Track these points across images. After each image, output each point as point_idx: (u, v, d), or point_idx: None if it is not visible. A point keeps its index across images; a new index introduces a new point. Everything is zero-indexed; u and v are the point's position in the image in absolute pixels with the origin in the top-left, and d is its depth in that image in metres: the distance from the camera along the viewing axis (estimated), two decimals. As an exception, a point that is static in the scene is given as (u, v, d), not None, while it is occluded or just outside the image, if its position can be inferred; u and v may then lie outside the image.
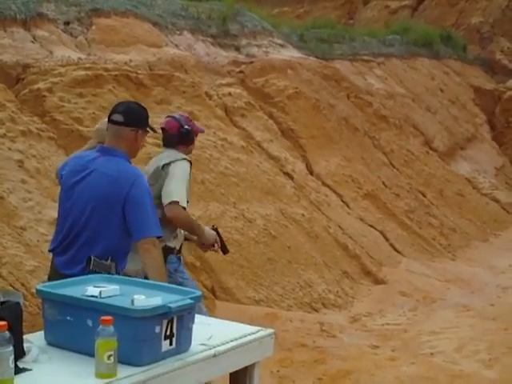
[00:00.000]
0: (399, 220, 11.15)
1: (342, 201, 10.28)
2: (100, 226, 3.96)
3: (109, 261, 3.95)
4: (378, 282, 9.26)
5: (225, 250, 5.39)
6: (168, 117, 5.52)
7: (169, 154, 5.18)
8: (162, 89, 9.39)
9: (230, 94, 10.48)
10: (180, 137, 5.28)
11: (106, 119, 4.25)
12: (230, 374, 3.27)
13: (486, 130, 17.13)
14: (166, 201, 4.86)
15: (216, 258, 7.28)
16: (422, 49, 17.76)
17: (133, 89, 8.97)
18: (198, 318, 3.14)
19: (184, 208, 4.91)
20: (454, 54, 19.04)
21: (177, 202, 4.84)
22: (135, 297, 2.78)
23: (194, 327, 3.02)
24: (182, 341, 2.92)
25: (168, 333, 2.85)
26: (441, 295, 9.17)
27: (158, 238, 4.01)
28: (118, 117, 4.10)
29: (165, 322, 2.82)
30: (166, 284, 3.58)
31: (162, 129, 5.35)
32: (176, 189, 4.91)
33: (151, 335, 2.78)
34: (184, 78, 9.92)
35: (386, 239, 10.44)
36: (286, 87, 11.26)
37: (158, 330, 2.79)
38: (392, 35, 17.35)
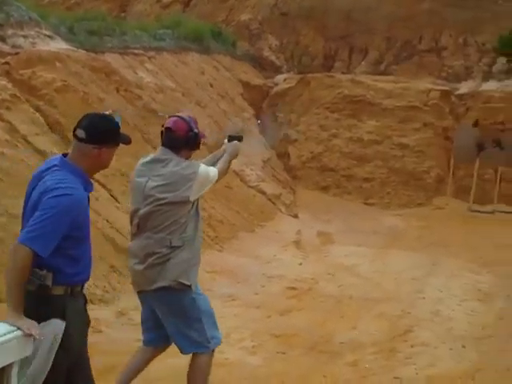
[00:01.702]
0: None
1: (111, 195, 10.22)
2: None
3: (44, 271, 3.80)
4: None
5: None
6: (175, 116, 5.12)
7: (180, 170, 4.91)
8: None
9: (-6, 85, 10.09)
10: (186, 140, 5.00)
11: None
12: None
13: (254, 124, 17.73)
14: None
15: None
16: (192, 44, 18.00)
17: None
18: None
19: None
20: (224, 50, 19.50)
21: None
22: None
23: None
24: None
25: None
26: (208, 286, 9.38)
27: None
28: (80, 133, 3.92)
29: None
30: None
31: (168, 128, 5.01)
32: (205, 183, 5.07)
33: None
34: None
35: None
36: (54, 80, 10.98)
37: None
38: (163, 30, 17.42)
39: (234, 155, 5.41)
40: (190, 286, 4.92)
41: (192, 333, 4.93)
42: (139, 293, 5.09)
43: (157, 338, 5.15)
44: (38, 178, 3.95)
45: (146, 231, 4.92)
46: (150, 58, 15.45)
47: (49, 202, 3.76)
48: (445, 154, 17.03)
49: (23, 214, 3.99)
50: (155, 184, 4.85)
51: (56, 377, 3.80)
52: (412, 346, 7.52)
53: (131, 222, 5.06)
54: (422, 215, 15.55)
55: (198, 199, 5.02)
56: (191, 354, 5.02)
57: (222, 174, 5.23)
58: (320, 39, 21.29)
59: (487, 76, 18.84)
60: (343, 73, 19.79)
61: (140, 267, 4.93)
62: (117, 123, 4.09)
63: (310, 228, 13.77)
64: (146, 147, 12.18)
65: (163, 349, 5.26)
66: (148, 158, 5.08)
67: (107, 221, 9.61)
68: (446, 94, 17.66)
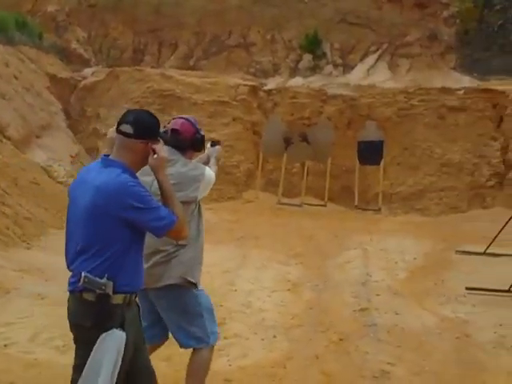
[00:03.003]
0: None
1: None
2: (93, 240, 3.79)
3: (104, 279, 3.75)
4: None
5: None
6: (180, 118, 5.23)
7: (186, 171, 5.02)
8: None
9: None
10: (193, 142, 5.12)
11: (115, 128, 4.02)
12: None
13: (62, 118, 17.26)
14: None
15: None
16: (-4, 35, 17.30)
17: None
18: None
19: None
20: (30, 41, 18.84)
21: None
22: None
23: None
24: None
25: None
26: (16, 285, 9.04)
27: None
28: (127, 128, 3.90)
29: None
30: None
31: (175, 130, 5.06)
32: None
33: None
34: None
35: None
36: None
37: None
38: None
39: (219, 159, 5.68)
40: (195, 284, 5.09)
41: (193, 328, 5.10)
42: (141, 290, 4.97)
43: (151, 336, 5.09)
44: (82, 181, 3.94)
45: None
46: None
47: (134, 191, 3.82)
48: (254, 148, 17.36)
49: (71, 217, 3.95)
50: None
51: None
52: (225, 338, 7.55)
53: None
54: (232, 209, 15.75)
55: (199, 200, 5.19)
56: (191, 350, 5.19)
57: (216, 176, 5.40)
58: (129, 32, 21.10)
59: (293, 72, 19.43)
60: (153, 67, 19.71)
61: (145, 265, 4.75)
62: (158, 119, 4.08)
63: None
64: None
65: (159, 345, 5.38)
66: None
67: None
68: (254, 90, 18.00)
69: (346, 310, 8.70)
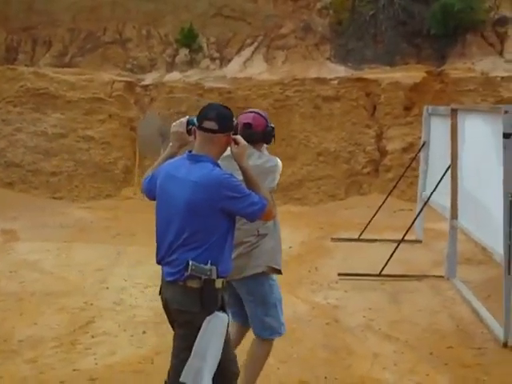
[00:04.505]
0: None
1: None
2: (195, 230, 4.11)
3: (208, 265, 4.08)
4: None
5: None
6: (251, 112, 5.39)
7: (262, 163, 5.14)
8: None
9: None
10: (264, 135, 5.28)
11: (181, 121, 4.51)
12: None
13: None
14: None
15: None
16: None
17: None
18: None
19: None
20: None
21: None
22: None
23: None
24: None
25: None
26: None
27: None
28: (211, 124, 4.19)
29: None
30: None
31: (248, 124, 5.22)
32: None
33: None
34: None
35: None
36: None
37: None
38: None
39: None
40: (280, 271, 5.34)
41: (268, 318, 5.31)
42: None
43: (243, 320, 5.51)
44: (172, 177, 4.25)
45: None
46: None
47: (229, 182, 4.15)
48: (131, 144, 17.11)
49: (168, 211, 4.24)
50: (241, 178, 4.70)
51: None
52: (93, 337, 7.43)
53: None
54: (110, 206, 15.49)
55: None
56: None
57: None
58: (1, 31, 20.45)
59: (170, 67, 19.29)
60: (27, 65, 19.16)
61: None
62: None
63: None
64: None
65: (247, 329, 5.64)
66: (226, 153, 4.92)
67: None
68: (130, 86, 17.75)
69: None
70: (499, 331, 7.30)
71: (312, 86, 16.73)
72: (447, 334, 7.58)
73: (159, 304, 4.50)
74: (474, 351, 7.06)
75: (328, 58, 18.81)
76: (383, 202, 12.33)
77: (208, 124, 4.20)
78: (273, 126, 5.40)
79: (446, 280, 9.56)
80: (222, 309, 4.20)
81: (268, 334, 5.37)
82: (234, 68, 18.71)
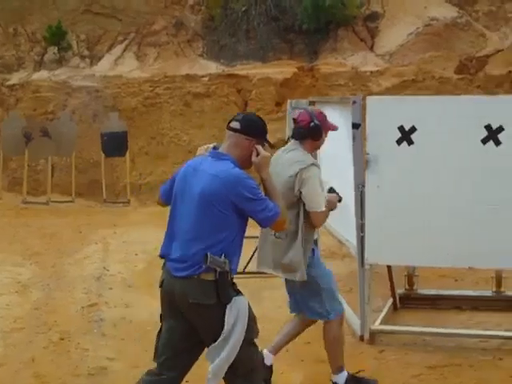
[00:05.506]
0: None
1: None
2: (209, 224, 4.17)
3: (223, 257, 4.13)
4: None
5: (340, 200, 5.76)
6: (302, 109, 5.79)
7: (295, 156, 5.40)
8: None
9: None
10: (309, 131, 5.41)
11: (208, 146, 4.54)
12: None
13: None
14: (308, 209, 5.32)
15: None
16: None
17: None
18: None
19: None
20: None
21: (316, 211, 5.31)
22: None
23: None
24: None
25: None
26: None
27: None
28: (235, 124, 4.35)
29: None
30: None
31: (294, 120, 5.50)
32: (312, 197, 5.31)
33: None
34: None
35: None
36: None
37: None
38: None
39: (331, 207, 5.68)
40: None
41: (313, 304, 5.59)
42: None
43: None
44: (194, 170, 4.35)
45: None
46: None
47: (246, 183, 4.20)
48: (-5, 146, 16.51)
49: (184, 203, 4.32)
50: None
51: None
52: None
53: None
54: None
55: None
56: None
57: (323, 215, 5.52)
58: None
59: (39, 66, 18.70)
60: None
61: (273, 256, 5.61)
62: (265, 123, 4.48)
63: None
64: None
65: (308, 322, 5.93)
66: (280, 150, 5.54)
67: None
68: (-6, 86, 17.14)
69: (73, 308, 8.46)
70: (357, 325, 7.24)
71: (182, 83, 16.54)
72: (306, 330, 7.48)
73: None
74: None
75: (200, 55, 18.61)
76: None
77: (233, 123, 4.37)
78: (317, 122, 5.44)
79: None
80: (238, 293, 4.29)
81: (316, 317, 5.76)
82: (104, 66, 18.27)
